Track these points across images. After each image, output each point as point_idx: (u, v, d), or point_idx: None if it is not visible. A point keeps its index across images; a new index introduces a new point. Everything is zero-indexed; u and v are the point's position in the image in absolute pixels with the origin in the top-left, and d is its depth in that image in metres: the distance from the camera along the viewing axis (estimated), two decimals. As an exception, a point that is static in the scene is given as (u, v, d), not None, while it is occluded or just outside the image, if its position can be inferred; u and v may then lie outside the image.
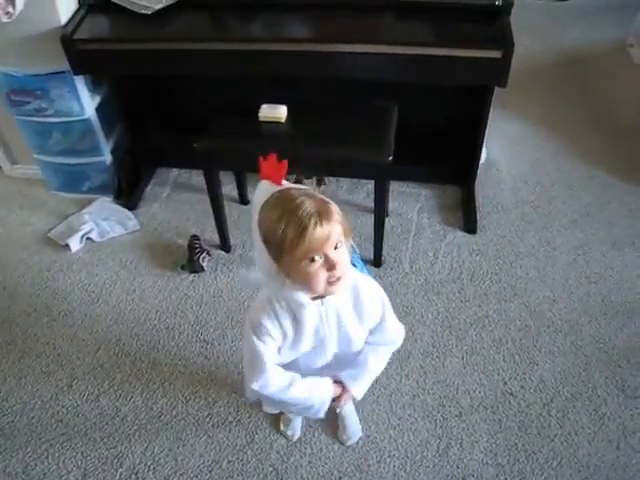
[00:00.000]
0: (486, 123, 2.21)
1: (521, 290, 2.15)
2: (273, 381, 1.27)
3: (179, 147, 2.23)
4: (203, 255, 2.23)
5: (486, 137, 2.31)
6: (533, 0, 3.94)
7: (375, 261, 2.24)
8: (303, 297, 1.15)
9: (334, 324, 1.25)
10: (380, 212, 2.09)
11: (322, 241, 1.03)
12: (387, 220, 2.30)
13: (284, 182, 1.10)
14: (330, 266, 1.06)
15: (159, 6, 2.03)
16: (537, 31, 3.60)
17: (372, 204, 2.09)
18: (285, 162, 1.08)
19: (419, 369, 1.92)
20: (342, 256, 1.08)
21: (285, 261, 1.06)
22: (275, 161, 1.09)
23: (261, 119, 2.00)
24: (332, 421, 1.78)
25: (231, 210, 2.36)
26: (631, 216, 2.45)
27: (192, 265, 2.22)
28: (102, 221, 2.43)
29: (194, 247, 2.24)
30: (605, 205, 2.50)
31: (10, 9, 1.95)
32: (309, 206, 1.02)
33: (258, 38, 1.98)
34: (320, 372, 1.38)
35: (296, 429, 1.79)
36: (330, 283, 1.09)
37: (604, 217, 2.45)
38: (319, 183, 2.54)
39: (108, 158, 2.48)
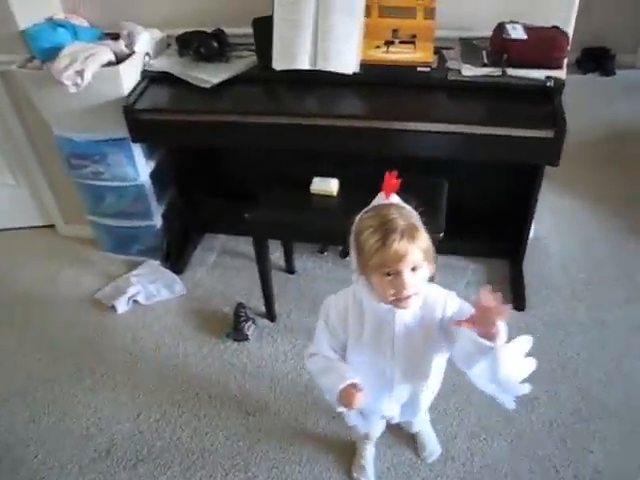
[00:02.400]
0: (536, 200, 2.19)
1: (572, 371, 2.07)
2: (316, 360, 1.37)
3: (228, 214, 2.27)
4: (248, 324, 2.23)
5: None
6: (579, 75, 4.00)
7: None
8: (368, 297, 1.24)
9: (400, 334, 1.28)
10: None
11: (398, 258, 1.12)
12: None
13: (393, 196, 1.22)
14: (400, 286, 1.14)
15: (217, 80, 2.11)
16: (582, 105, 3.61)
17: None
18: (399, 180, 1.22)
19: (465, 451, 1.85)
20: (417, 279, 1.15)
21: (362, 264, 1.18)
22: (393, 178, 1.22)
23: (313, 192, 2.03)
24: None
25: (277, 279, 2.36)
26: (684, 298, 2.37)
27: (237, 333, 2.22)
28: (149, 284, 2.47)
29: (239, 315, 2.24)
30: (659, 284, 2.43)
31: (79, 81, 2.06)
32: (398, 223, 1.12)
33: (312, 113, 2.03)
34: (385, 390, 1.41)
35: (369, 476, 1.77)
36: (399, 300, 1.16)
37: (659, 297, 2.37)
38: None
39: (158, 222, 2.54)
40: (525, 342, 1.15)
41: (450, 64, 2.03)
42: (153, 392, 2.08)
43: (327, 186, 2.03)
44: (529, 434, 1.88)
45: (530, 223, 2.30)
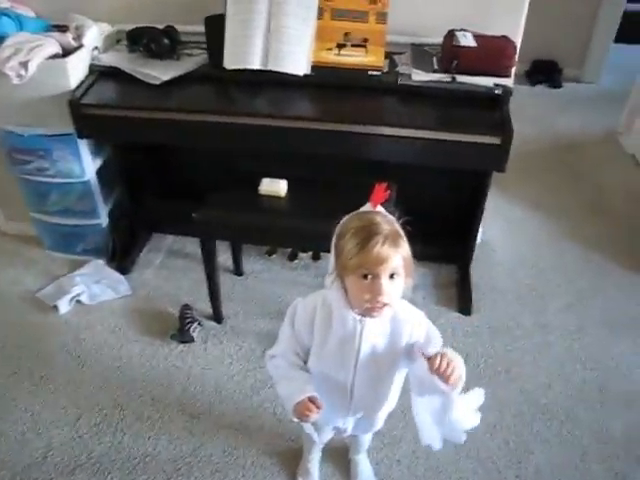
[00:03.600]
0: (483, 206, 2.23)
1: (516, 374, 2.11)
2: (277, 360, 1.33)
3: (176, 214, 2.24)
4: (194, 325, 2.19)
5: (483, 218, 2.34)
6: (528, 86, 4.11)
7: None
8: (339, 302, 1.20)
9: (365, 347, 1.24)
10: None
11: (378, 261, 1.09)
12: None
13: (379, 207, 1.19)
14: (377, 290, 1.10)
15: (167, 77, 2.08)
16: (531, 116, 3.73)
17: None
18: (388, 192, 1.19)
19: (411, 455, 1.85)
20: (394, 287, 1.13)
21: (340, 265, 1.15)
22: (383, 189, 1.19)
23: (261, 193, 2.02)
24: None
25: (225, 280, 2.33)
26: (627, 301, 2.44)
27: (182, 335, 2.17)
28: (93, 284, 2.40)
29: (185, 316, 2.20)
30: (601, 290, 2.50)
31: (22, 72, 2.00)
32: (382, 227, 1.11)
33: (263, 114, 2.01)
34: (342, 403, 1.36)
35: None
36: (372, 307, 1.13)
37: (600, 302, 2.44)
38: (314, 257, 2.53)
39: (104, 221, 2.48)
40: (479, 396, 1.19)
41: (401, 69, 2.05)
42: (94, 395, 2.02)
43: (276, 187, 2.02)
44: (473, 436, 1.87)
45: (477, 228, 2.34)
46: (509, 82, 1.97)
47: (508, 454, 1.86)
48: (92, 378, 2.07)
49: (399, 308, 1.22)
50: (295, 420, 1.29)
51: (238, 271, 2.48)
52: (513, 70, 1.99)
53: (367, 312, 1.17)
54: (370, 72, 2.02)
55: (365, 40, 1.99)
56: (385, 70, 2.04)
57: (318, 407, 1.23)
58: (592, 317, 2.36)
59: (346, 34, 1.99)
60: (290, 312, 1.33)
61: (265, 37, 1.99)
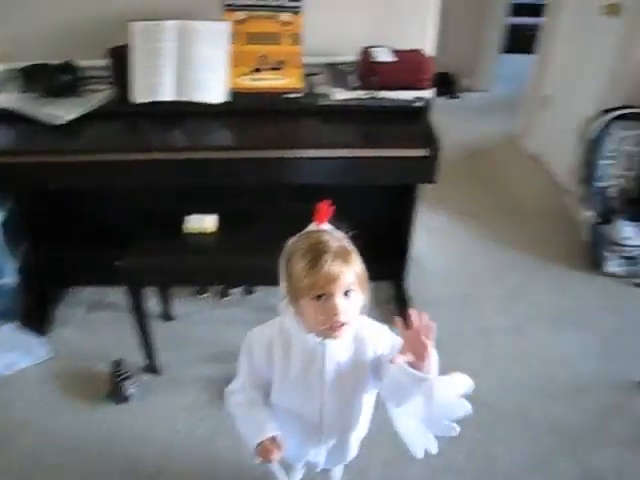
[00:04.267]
0: (414, 219, 2.23)
1: (468, 382, 2.11)
2: (237, 395, 1.26)
3: (93, 264, 2.07)
4: (129, 382, 1.99)
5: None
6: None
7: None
8: (296, 327, 1.15)
9: (330, 370, 1.18)
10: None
11: (330, 279, 1.05)
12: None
13: (325, 225, 1.16)
14: (332, 310, 1.06)
15: (70, 116, 1.91)
16: (439, 126, 3.84)
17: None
18: (332, 208, 1.16)
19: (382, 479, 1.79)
20: (350, 305, 1.08)
21: (292, 288, 1.10)
22: (326, 206, 1.16)
23: (188, 231, 1.89)
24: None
25: (156, 327, 2.13)
26: (555, 294, 2.53)
27: (117, 395, 1.97)
28: (8, 352, 2.13)
29: (117, 374, 1.99)
30: (530, 286, 2.58)
31: None
32: (330, 245, 1.07)
33: (179, 147, 1.90)
34: (313, 433, 1.30)
35: None
36: (331, 327, 1.08)
37: (531, 298, 2.51)
38: (247, 292, 2.42)
39: (13, 279, 2.22)
40: (463, 381, 1.15)
41: (319, 89, 2.01)
42: (23, 478, 1.78)
43: (203, 223, 1.91)
44: (439, 452, 1.86)
45: (409, 242, 2.33)
46: (429, 94, 1.98)
47: (475, 465, 1.83)
48: (19, 459, 1.83)
49: (359, 325, 1.17)
50: (258, 462, 1.20)
51: (168, 316, 2.31)
52: (431, 82, 2.00)
53: (326, 334, 1.11)
54: (289, 95, 1.97)
55: (281, 62, 1.94)
56: (304, 92, 1.99)
57: (279, 447, 1.17)
58: (527, 314, 2.42)
59: (261, 57, 1.93)
60: (246, 344, 1.25)
61: (176, 66, 1.88)
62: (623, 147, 2.64)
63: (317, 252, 1.06)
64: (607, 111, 2.63)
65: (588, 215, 2.66)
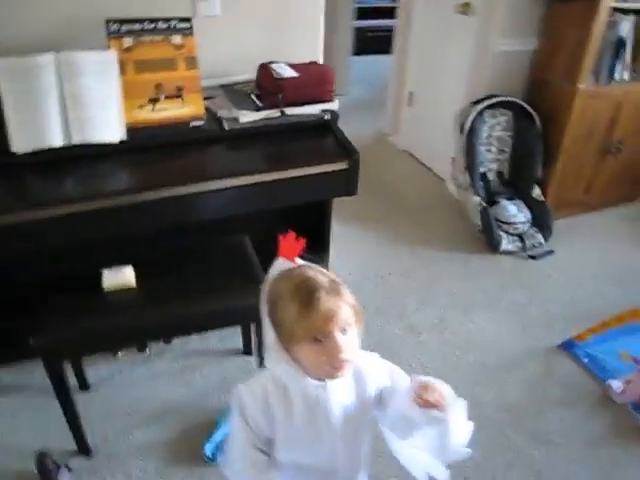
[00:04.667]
0: (329, 231, 2.20)
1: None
2: (239, 464, 1.13)
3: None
4: (60, 473, 1.71)
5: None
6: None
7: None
8: (293, 376, 1.05)
9: (337, 413, 1.10)
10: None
11: (328, 318, 0.97)
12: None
13: (298, 260, 1.07)
14: (335, 350, 0.98)
15: None
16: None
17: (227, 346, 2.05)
18: (302, 240, 1.07)
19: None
20: (350, 340, 1.00)
21: (284, 336, 1.01)
22: (292, 239, 1.07)
23: (107, 289, 1.67)
24: None
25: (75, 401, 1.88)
26: (463, 281, 2.66)
27: (52, 494, 1.69)
28: None
29: (44, 468, 1.70)
30: (439, 278, 2.68)
31: None
32: (318, 279, 0.99)
33: (72, 199, 1.64)
34: None
35: None
36: (335, 367, 1.00)
37: (443, 288, 2.61)
38: (166, 341, 2.21)
39: None
40: (463, 405, 1.09)
41: (221, 113, 1.89)
42: None
43: (122, 278, 1.70)
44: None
45: (328, 253, 2.29)
46: (334, 106, 1.95)
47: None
48: None
49: (357, 360, 1.09)
50: None
51: (84, 385, 2.02)
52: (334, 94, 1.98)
53: (329, 376, 1.04)
54: (192, 123, 1.82)
55: (179, 89, 1.77)
56: (207, 118, 1.86)
57: None
58: (443, 303, 2.52)
59: (157, 86, 1.75)
60: (236, 404, 1.11)
61: (60, 106, 1.64)
62: (494, 133, 2.85)
63: (307, 291, 0.97)
64: (475, 102, 2.81)
65: (476, 200, 2.82)
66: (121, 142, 1.74)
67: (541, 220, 2.82)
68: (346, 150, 1.87)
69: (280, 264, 1.07)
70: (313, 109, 1.91)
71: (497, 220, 2.79)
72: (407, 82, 3.48)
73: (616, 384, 2.08)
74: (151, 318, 1.66)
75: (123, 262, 1.73)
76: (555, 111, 2.74)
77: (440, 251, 2.85)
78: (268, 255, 1.78)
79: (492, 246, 2.80)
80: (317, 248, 2.25)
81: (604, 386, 2.11)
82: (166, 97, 1.77)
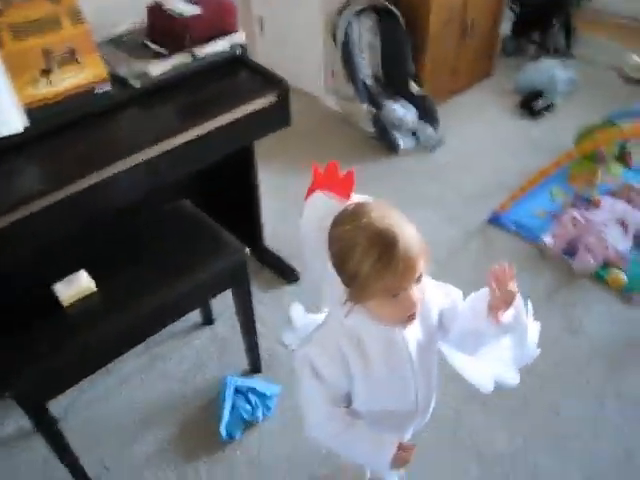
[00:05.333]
0: (257, 182, 2.08)
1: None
2: (328, 426, 1.09)
3: None
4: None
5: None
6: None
7: (256, 367, 1.92)
8: (367, 326, 1.01)
9: (414, 350, 1.08)
10: (248, 320, 1.78)
11: (405, 276, 0.92)
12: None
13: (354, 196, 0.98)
14: (411, 303, 0.95)
15: None
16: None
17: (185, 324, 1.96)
18: (351, 172, 0.97)
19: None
20: (421, 286, 0.97)
21: (358, 290, 0.94)
22: (337, 172, 0.97)
23: (66, 304, 1.42)
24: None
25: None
26: (372, 187, 2.53)
27: None
28: None
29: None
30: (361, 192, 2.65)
31: None
32: (396, 233, 0.90)
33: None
34: (408, 417, 1.20)
35: None
36: (409, 318, 0.99)
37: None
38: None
39: None
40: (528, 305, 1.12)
41: (123, 71, 1.61)
42: None
43: (79, 286, 1.45)
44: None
45: (259, 209, 2.17)
46: (242, 36, 1.76)
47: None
48: None
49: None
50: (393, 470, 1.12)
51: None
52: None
53: (401, 325, 1.02)
54: (97, 90, 1.53)
55: (72, 52, 1.46)
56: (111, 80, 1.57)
57: (410, 447, 1.08)
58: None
59: (45, 53, 1.42)
60: (307, 370, 1.06)
61: None
62: (363, 39, 2.82)
63: (385, 247, 0.89)
64: (339, 12, 2.74)
65: (364, 109, 2.81)
66: (25, 130, 1.42)
67: (427, 113, 2.90)
68: (272, 81, 1.72)
69: (325, 201, 0.98)
70: (222, 45, 1.71)
71: (388, 123, 2.82)
72: (253, 6, 3.25)
73: (548, 240, 2.30)
74: (127, 320, 1.45)
75: (71, 269, 1.47)
76: (416, 5, 2.78)
77: (344, 165, 2.80)
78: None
79: (392, 148, 2.83)
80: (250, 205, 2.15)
81: (540, 245, 2.32)
82: (59, 65, 1.45)
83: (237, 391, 1.81)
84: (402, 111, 2.84)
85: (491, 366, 1.22)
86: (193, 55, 1.65)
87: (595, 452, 1.71)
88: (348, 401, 1.12)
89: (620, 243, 2.24)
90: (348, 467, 1.51)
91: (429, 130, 2.89)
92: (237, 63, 1.76)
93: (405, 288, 0.93)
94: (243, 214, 2.19)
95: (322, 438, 1.14)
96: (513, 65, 3.43)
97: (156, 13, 1.65)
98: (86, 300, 1.45)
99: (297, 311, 1.32)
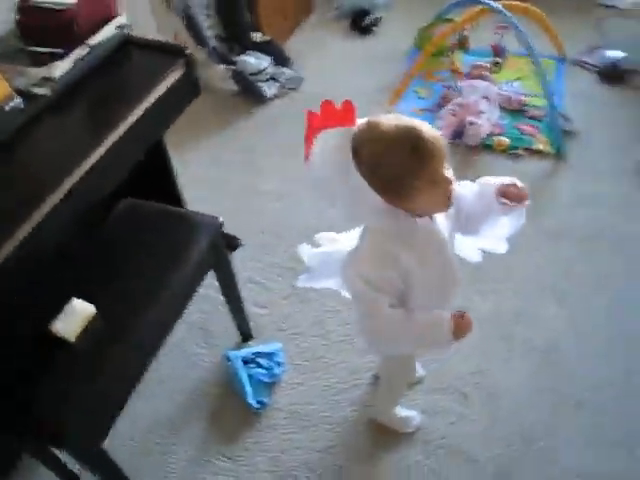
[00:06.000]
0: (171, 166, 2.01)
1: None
2: (392, 329, 1.16)
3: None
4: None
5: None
6: None
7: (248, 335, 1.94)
8: (411, 222, 1.11)
9: (445, 236, 1.20)
10: (234, 291, 1.78)
11: (441, 160, 1.02)
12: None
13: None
14: (450, 185, 1.05)
15: None
16: None
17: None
18: (349, 101, 1.04)
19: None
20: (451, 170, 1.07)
21: (400, 190, 1.03)
22: (334, 107, 1.04)
23: (74, 338, 1.32)
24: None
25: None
26: (253, 141, 2.69)
27: None
28: None
29: None
30: (239, 155, 2.68)
31: None
32: (417, 127, 1.00)
33: None
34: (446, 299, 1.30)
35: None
36: (450, 201, 1.08)
37: (244, 155, 2.65)
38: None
39: None
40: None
41: (22, 82, 1.44)
42: None
43: (76, 314, 1.34)
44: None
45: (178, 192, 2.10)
46: (125, 18, 1.65)
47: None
48: None
49: None
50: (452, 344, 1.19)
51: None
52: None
53: (443, 210, 1.13)
54: (6, 108, 1.37)
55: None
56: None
57: (465, 314, 1.19)
58: (271, 164, 2.58)
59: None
60: (361, 285, 1.12)
61: None
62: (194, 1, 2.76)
63: (412, 139, 0.99)
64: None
65: (222, 69, 2.79)
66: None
67: (277, 56, 2.96)
68: (174, 52, 1.66)
69: (332, 135, 1.04)
70: (109, 30, 1.60)
71: (248, 74, 2.83)
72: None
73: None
74: (141, 330, 1.38)
75: (60, 302, 1.35)
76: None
77: (221, 127, 2.79)
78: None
79: (260, 99, 2.85)
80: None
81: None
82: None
83: (245, 362, 1.82)
84: (256, 61, 2.87)
85: (485, 242, 1.37)
86: (89, 46, 1.53)
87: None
88: (403, 302, 1.19)
89: (492, 114, 2.56)
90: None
91: (287, 71, 2.96)
92: (131, 44, 1.66)
93: (442, 171, 1.03)
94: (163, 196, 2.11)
95: (388, 344, 1.22)
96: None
97: (28, 12, 1.48)
98: (91, 327, 1.35)
99: (307, 250, 1.38)
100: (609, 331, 1.89)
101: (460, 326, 1.16)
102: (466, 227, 1.28)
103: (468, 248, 1.39)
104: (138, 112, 1.53)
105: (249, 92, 2.86)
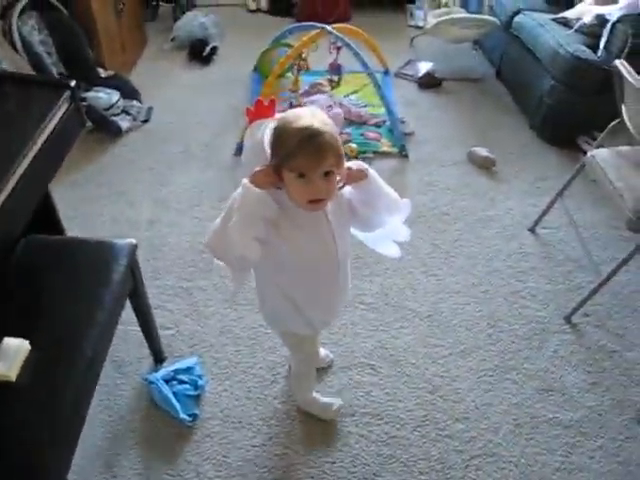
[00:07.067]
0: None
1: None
2: (222, 228, 1.23)
3: None
4: None
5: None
6: None
7: (162, 357, 1.97)
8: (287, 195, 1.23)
9: (332, 220, 1.30)
10: (149, 317, 1.82)
11: (313, 166, 1.16)
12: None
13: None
14: (313, 190, 1.18)
15: None
16: None
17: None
18: (272, 99, 1.32)
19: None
20: (330, 184, 1.20)
21: (283, 160, 1.16)
22: (263, 103, 1.30)
23: (14, 377, 1.28)
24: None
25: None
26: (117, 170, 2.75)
27: None
28: None
29: None
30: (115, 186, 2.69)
31: None
32: (320, 130, 1.14)
33: None
34: (329, 293, 1.45)
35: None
36: (312, 202, 1.20)
37: (119, 187, 2.65)
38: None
39: None
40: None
41: None
42: None
43: (13, 353, 1.31)
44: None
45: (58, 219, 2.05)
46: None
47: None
48: None
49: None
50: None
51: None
52: None
53: (307, 209, 1.23)
54: None
55: None
56: None
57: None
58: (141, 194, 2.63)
59: None
60: (238, 192, 1.21)
61: None
62: (35, 39, 2.69)
63: (306, 135, 1.13)
64: (2, 17, 2.54)
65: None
66: None
67: (126, 90, 2.98)
68: (59, 85, 1.67)
69: (261, 123, 1.26)
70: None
71: (99, 109, 2.82)
72: None
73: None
74: (80, 359, 1.38)
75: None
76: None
77: (83, 166, 2.76)
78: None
79: (115, 133, 2.86)
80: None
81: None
82: None
83: (166, 381, 1.85)
84: (106, 96, 2.87)
85: (384, 234, 1.48)
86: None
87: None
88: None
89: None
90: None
91: (136, 104, 3.00)
92: (7, 80, 1.64)
93: (310, 173, 1.15)
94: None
95: (216, 249, 1.27)
96: (162, 28, 3.71)
97: None
98: (28, 362, 1.32)
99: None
100: (472, 285, 2.29)
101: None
102: (366, 224, 1.40)
103: (385, 245, 1.51)
104: (35, 149, 1.52)
105: (104, 127, 2.85)
